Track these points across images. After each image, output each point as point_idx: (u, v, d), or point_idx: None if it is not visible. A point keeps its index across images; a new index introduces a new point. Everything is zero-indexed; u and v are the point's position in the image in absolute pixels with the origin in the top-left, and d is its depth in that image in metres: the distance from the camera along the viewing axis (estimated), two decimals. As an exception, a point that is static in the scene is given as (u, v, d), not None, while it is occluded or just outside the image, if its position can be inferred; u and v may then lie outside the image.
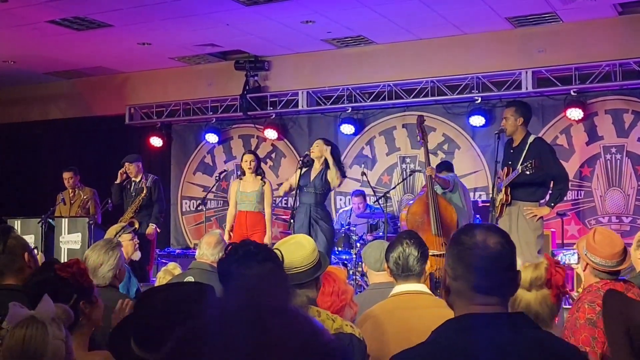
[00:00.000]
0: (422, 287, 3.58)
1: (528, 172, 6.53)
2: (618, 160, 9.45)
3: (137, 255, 5.83)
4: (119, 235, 5.56)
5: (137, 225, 8.59)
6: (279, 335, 0.93)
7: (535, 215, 6.82)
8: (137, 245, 5.83)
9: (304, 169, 8.00)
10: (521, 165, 6.63)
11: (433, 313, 2.85)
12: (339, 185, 8.22)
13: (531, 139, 6.96)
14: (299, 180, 7.90)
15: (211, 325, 0.96)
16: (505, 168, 7.01)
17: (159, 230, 9.51)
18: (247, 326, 0.92)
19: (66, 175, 10.04)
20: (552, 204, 6.90)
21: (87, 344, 2.95)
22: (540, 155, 6.79)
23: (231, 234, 8.40)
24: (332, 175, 7.88)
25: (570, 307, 3.93)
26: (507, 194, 6.89)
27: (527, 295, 2.74)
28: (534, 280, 2.74)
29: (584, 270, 3.75)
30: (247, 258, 2.51)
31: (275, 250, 2.78)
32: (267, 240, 8.19)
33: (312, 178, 7.97)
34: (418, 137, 8.08)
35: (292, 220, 8.11)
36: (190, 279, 4.77)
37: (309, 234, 7.63)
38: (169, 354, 0.98)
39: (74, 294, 2.92)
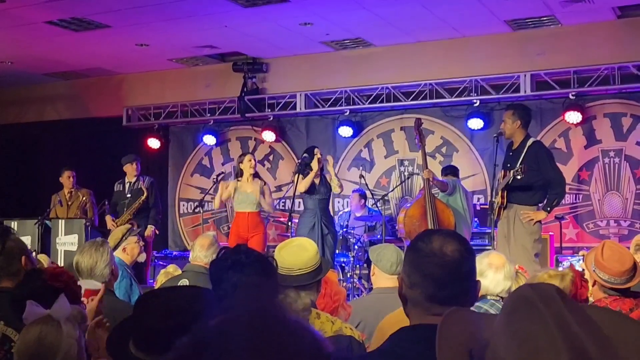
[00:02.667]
0: None
1: (519, 177, 6.51)
2: (616, 164, 9.43)
3: (143, 257, 5.77)
4: (126, 238, 5.49)
5: (136, 227, 8.56)
6: (281, 344, 0.91)
7: (532, 219, 6.80)
8: (143, 247, 5.79)
9: (303, 176, 8.41)
10: (513, 169, 6.62)
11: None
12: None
13: (530, 142, 6.94)
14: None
15: (213, 334, 0.94)
16: (503, 171, 7.00)
17: (157, 232, 9.50)
18: (251, 335, 0.91)
19: (68, 173, 10.01)
20: (548, 209, 6.87)
21: None
22: (537, 158, 6.77)
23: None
24: (335, 184, 8.52)
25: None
26: (502, 197, 6.88)
27: None
28: None
29: (592, 286, 3.64)
30: (235, 267, 2.49)
31: (270, 259, 2.75)
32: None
33: (317, 185, 8.38)
34: (416, 139, 8.10)
35: (289, 223, 8.28)
36: (185, 281, 4.75)
37: (320, 237, 8.10)
38: (185, 348, 0.96)
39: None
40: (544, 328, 1.06)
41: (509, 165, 6.95)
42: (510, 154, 7.06)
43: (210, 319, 0.98)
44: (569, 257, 4.28)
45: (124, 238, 5.47)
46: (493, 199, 7.10)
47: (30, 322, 2.42)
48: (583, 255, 4.45)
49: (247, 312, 0.96)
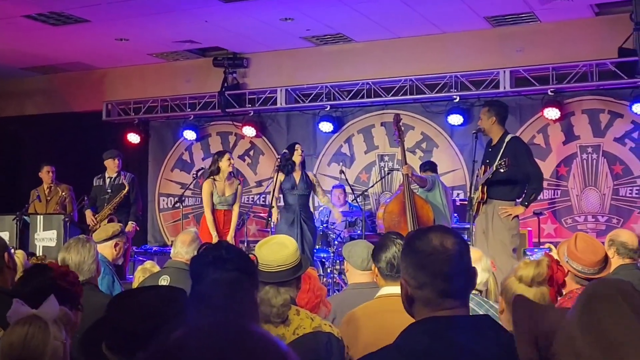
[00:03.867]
0: None
1: (502, 170, 6.56)
2: (594, 160, 9.52)
3: (120, 261, 5.72)
4: (115, 237, 5.41)
5: (115, 222, 8.50)
6: (244, 357, 0.92)
7: (510, 215, 6.85)
8: (125, 250, 5.76)
9: (284, 174, 8.39)
10: (494, 164, 6.66)
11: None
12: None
13: (508, 138, 7.00)
14: (282, 184, 8.38)
15: (175, 347, 0.94)
16: (483, 166, 7.04)
17: (137, 228, 9.46)
18: (213, 348, 0.92)
19: (47, 168, 9.93)
20: (526, 204, 6.93)
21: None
22: (516, 154, 6.82)
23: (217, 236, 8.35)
24: (321, 197, 8.69)
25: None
26: (483, 192, 6.93)
27: (527, 292, 2.69)
28: (535, 277, 2.71)
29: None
30: (216, 263, 2.49)
31: (250, 255, 2.76)
32: (230, 236, 8.37)
33: (297, 181, 8.35)
34: (395, 135, 8.13)
35: (269, 219, 8.27)
36: (166, 277, 4.73)
37: (299, 233, 8.12)
38: None
39: (67, 303, 2.91)
40: (626, 321, 1.08)
41: (487, 161, 7.00)
42: (490, 150, 7.11)
43: (183, 321, 0.98)
44: (536, 249, 4.33)
45: (113, 237, 5.42)
46: (472, 195, 7.15)
47: (15, 322, 2.33)
48: (549, 248, 4.55)
49: (210, 324, 0.97)
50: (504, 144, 6.92)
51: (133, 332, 2.02)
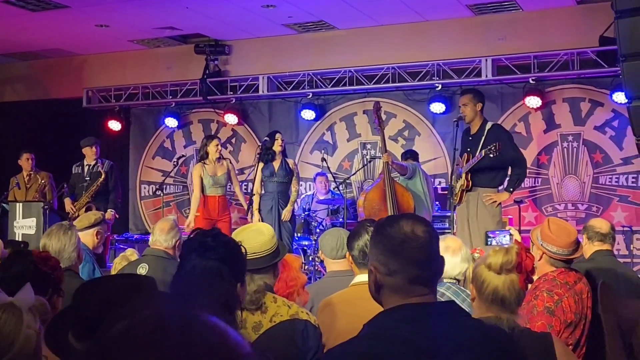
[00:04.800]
0: None
1: (492, 155, 6.54)
2: (575, 148, 9.57)
3: (100, 250, 5.69)
4: (96, 225, 5.39)
5: (94, 210, 8.45)
6: (187, 347, 0.90)
7: (495, 202, 6.88)
8: (105, 238, 5.74)
9: (264, 163, 8.51)
10: (483, 149, 6.65)
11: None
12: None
13: (489, 125, 7.01)
14: (261, 171, 8.51)
15: (116, 338, 0.93)
16: (465, 154, 7.05)
17: (117, 216, 9.41)
18: (153, 338, 0.91)
19: (26, 155, 9.85)
20: (511, 189, 6.96)
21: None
22: (498, 140, 6.83)
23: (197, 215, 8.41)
24: (292, 184, 8.67)
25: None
26: (467, 180, 6.94)
27: (496, 280, 2.70)
28: (504, 264, 2.72)
29: (538, 260, 3.79)
30: (200, 250, 2.48)
31: (239, 245, 2.74)
32: (256, 220, 8.28)
33: (276, 169, 8.45)
34: (375, 123, 8.13)
35: (250, 206, 8.31)
36: (144, 265, 4.72)
37: (277, 220, 8.27)
38: (87, 354, 0.96)
39: (49, 288, 2.90)
40: None
41: (469, 149, 7.01)
42: (470, 138, 7.10)
43: (147, 309, 0.97)
44: (497, 232, 4.36)
45: (95, 224, 5.39)
46: (453, 183, 7.16)
47: None
48: (509, 230, 4.64)
49: (154, 313, 0.96)
50: (485, 132, 6.93)
51: (98, 320, 2.00)
